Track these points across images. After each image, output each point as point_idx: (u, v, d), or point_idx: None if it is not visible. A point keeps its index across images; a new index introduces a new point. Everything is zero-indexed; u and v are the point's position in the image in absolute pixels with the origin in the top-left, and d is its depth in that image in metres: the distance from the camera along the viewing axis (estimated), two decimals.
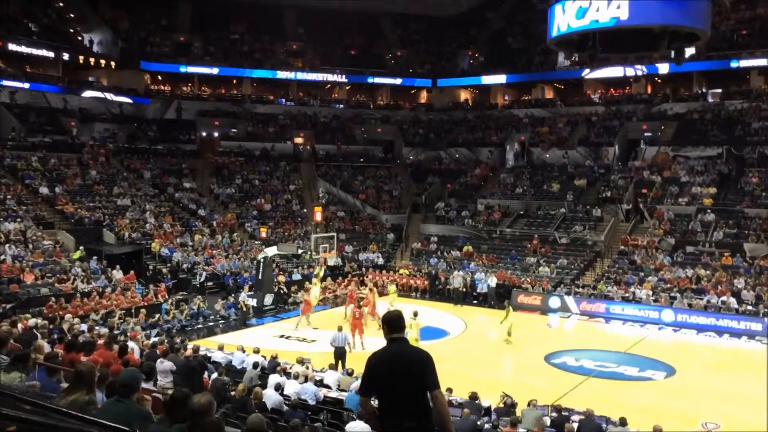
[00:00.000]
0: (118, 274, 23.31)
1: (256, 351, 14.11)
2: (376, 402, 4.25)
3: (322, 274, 24.94)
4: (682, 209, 29.94)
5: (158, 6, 43.02)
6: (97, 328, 14.52)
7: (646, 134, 36.42)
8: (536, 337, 20.91)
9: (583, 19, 16.03)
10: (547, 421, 11.37)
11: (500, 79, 43.11)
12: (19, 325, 12.20)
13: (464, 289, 26.86)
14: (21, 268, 21.37)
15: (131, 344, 11.79)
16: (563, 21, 16.68)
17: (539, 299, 25.43)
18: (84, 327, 14.45)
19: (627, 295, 24.74)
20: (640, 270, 26.60)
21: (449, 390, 11.94)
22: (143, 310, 20.05)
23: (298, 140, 42.33)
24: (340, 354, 15.94)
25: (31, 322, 13.04)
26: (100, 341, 10.68)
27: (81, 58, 37.87)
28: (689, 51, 19.82)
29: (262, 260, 24.23)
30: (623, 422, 11.06)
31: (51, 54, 35.97)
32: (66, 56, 36.87)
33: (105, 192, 30.44)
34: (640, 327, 22.65)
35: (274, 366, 12.91)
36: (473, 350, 19.40)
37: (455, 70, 45.80)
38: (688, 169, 32.38)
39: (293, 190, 37.54)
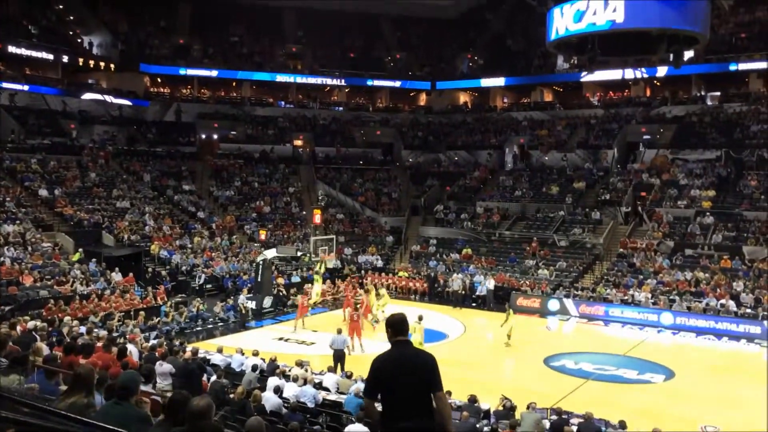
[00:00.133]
0: (117, 276, 23.29)
1: (255, 353, 14.11)
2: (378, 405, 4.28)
3: (323, 270, 24.89)
4: (681, 212, 29.96)
5: (157, 8, 43.06)
6: (95, 330, 14.51)
7: (645, 137, 36.45)
8: (535, 340, 20.91)
9: (581, 22, 16.03)
10: (547, 424, 11.37)
11: (499, 81, 43.17)
12: (18, 328, 12.20)
13: (463, 292, 26.87)
14: (20, 270, 21.36)
15: (130, 347, 11.78)
16: (561, 24, 16.69)
17: (538, 302, 25.43)
18: (83, 329, 14.44)
19: (626, 297, 24.74)
20: (639, 273, 26.60)
21: (448, 393, 11.94)
22: (142, 313, 20.05)
23: (298, 143, 42.35)
24: (339, 357, 15.94)
25: (30, 324, 13.04)
26: (99, 343, 10.67)
27: (80, 60, 37.88)
28: (688, 54, 19.86)
29: (261, 263, 24.23)
30: (622, 425, 11.06)
31: (50, 56, 35.99)
32: (65, 58, 36.89)
33: (104, 194, 30.44)
34: (639, 330, 22.66)
35: (273, 369, 12.90)
36: (472, 353, 19.39)
37: (454, 72, 45.87)
38: (687, 172, 32.41)
39: (292, 192, 37.55)
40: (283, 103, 44.64)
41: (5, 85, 34.17)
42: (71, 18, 40.50)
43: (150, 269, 25.89)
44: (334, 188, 38.31)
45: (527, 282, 27.28)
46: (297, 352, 17.82)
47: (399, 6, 43.93)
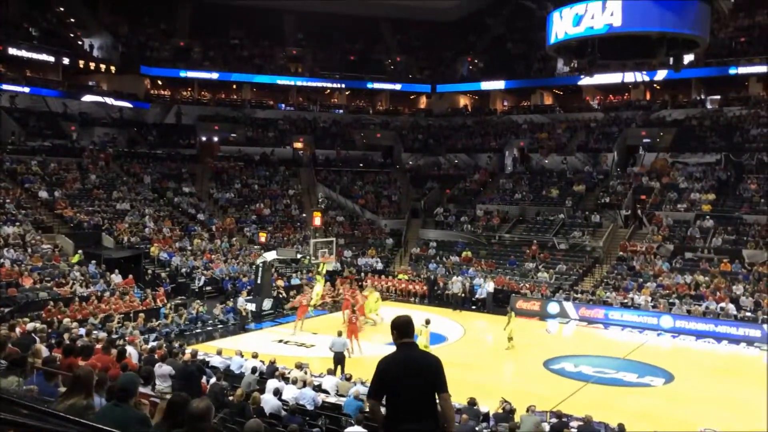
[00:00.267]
0: (116, 278, 23.29)
1: (255, 356, 14.09)
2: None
3: (324, 271, 24.88)
4: (680, 215, 29.98)
5: (158, 10, 43.13)
6: (95, 332, 14.50)
7: (644, 140, 36.47)
8: (535, 343, 20.89)
9: (579, 26, 16.05)
10: (546, 427, 11.37)
11: (499, 84, 43.22)
12: (18, 329, 12.20)
13: (463, 295, 26.87)
14: (20, 272, 21.36)
15: (129, 348, 11.77)
16: (560, 28, 16.71)
17: (538, 305, 25.43)
18: (82, 331, 14.43)
19: (626, 301, 24.74)
20: (639, 276, 26.60)
21: None
22: (142, 315, 20.02)
23: (298, 145, 42.37)
24: (339, 359, 15.93)
25: (30, 326, 13.03)
26: (98, 345, 10.66)
27: (81, 62, 37.91)
28: (688, 58, 19.89)
29: (261, 265, 24.23)
30: (621, 428, 11.05)
31: (51, 58, 36.04)
32: (66, 61, 36.93)
33: (104, 196, 30.44)
34: (638, 333, 22.64)
35: (272, 371, 12.90)
36: (472, 356, 19.37)
37: (454, 75, 45.90)
38: (687, 176, 32.43)
39: (292, 194, 37.55)
40: (283, 105, 44.67)
41: (6, 86, 34.19)
42: (72, 20, 40.55)
43: (150, 271, 25.90)
44: (334, 191, 38.33)
45: (527, 285, 27.29)
46: (296, 355, 17.83)
47: (399, 9, 43.99)
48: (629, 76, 37.00)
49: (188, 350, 13.49)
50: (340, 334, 16.69)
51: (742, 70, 34.72)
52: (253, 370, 12.54)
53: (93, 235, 26.91)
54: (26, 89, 35.12)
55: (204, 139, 41.62)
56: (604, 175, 35.17)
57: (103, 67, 39.20)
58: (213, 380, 11.44)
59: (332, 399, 12.05)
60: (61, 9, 40.29)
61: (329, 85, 45.39)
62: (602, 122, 38.85)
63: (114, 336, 15.77)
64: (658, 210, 30.67)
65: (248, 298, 24.12)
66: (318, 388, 12.45)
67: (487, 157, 40.45)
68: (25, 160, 30.40)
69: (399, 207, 38.05)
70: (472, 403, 11.77)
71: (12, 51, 33.97)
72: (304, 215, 35.37)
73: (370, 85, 45.31)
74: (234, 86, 44.63)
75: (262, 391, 10.85)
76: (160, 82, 43.34)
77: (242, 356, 14.29)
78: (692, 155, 33.56)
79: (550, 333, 22.96)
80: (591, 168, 36.13)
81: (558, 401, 14.33)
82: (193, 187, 35.28)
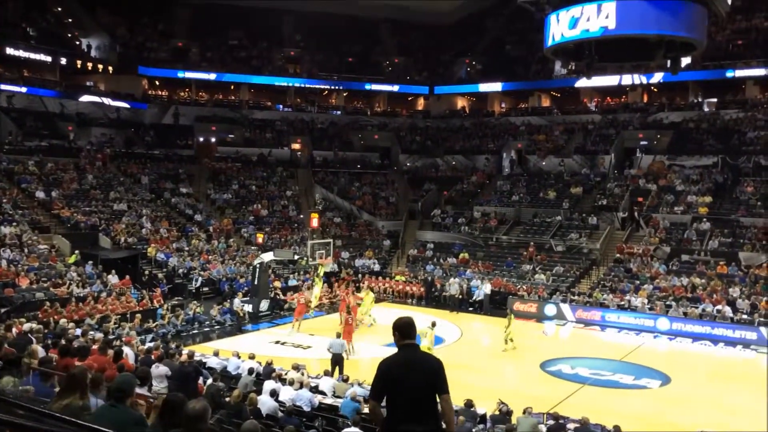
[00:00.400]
0: (113, 278, 23.23)
1: (252, 357, 14.07)
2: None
3: (322, 273, 24.87)
4: (677, 218, 30.03)
5: (156, 11, 43.11)
6: (91, 332, 14.47)
7: (642, 143, 36.56)
8: (532, 345, 20.89)
9: (575, 29, 16.06)
10: (543, 429, 11.37)
11: (497, 87, 43.28)
12: (14, 330, 12.18)
13: (460, 296, 26.88)
14: (16, 272, 21.30)
15: (126, 349, 11.76)
16: (557, 31, 16.72)
17: (535, 307, 25.44)
18: (79, 332, 14.40)
19: (622, 303, 24.76)
20: (636, 278, 26.64)
21: None
22: (138, 315, 19.96)
23: (295, 146, 42.37)
24: (337, 360, 15.90)
25: (26, 326, 13.01)
26: (95, 346, 10.64)
27: (78, 62, 37.93)
28: (685, 60, 19.94)
29: (258, 266, 24.20)
30: (617, 430, 11.05)
31: (48, 58, 36.01)
32: (63, 61, 36.92)
33: (101, 196, 30.40)
34: (635, 335, 22.66)
35: (269, 372, 12.88)
36: (469, 357, 19.36)
37: (452, 77, 45.95)
38: (684, 178, 32.50)
39: (290, 195, 37.54)
40: (281, 106, 44.69)
41: (3, 86, 34.16)
42: (70, 20, 40.52)
43: (147, 272, 25.85)
44: (332, 192, 38.32)
45: (524, 287, 27.32)
46: (293, 356, 17.81)
47: (398, 11, 44.04)
48: (627, 79, 37.09)
49: (185, 351, 13.45)
50: (338, 335, 16.70)
51: (739, 73, 34.87)
52: (250, 371, 12.52)
53: (90, 235, 26.86)
54: (23, 89, 35.09)
55: (201, 139, 41.61)
56: (602, 177, 35.23)
57: (100, 67, 39.21)
58: (210, 381, 11.42)
59: (329, 400, 12.04)
60: (59, 9, 40.25)
61: (327, 86, 45.42)
62: (599, 124, 38.92)
63: (111, 337, 15.76)
64: (655, 212, 30.73)
65: (245, 299, 24.09)
66: (315, 390, 12.44)
67: (485, 159, 40.50)
68: (22, 160, 30.35)
69: (396, 208, 38.06)
70: (469, 404, 11.76)
71: (9, 51, 33.96)
72: (301, 216, 35.36)
73: (368, 87, 45.34)
74: (232, 87, 44.64)
75: (259, 392, 10.83)
76: (157, 83, 43.32)
77: (239, 357, 14.28)
78: (689, 158, 33.64)
79: (547, 335, 22.93)
80: (588, 170, 36.19)
81: (555, 403, 14.34)
82: (191, 188, 35.25)
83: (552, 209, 33.33)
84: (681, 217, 29.96)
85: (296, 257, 28.45)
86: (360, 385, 12.72)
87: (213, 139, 41.60)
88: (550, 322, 24.50)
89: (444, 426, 4.22)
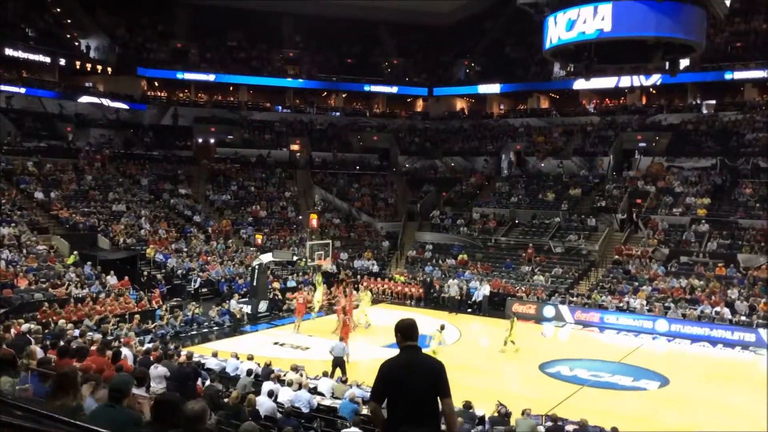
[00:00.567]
0: (112, 279, 23.22)
1: (250, 358, 14.06)
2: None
3: (321, 279, 24.88)
4: (676, 219, 30.06)
5: (155, 12, 43.08)
6: (90, 333, 14.45)
7: (640, 144, 36.59)
8: (530, 346, 20.87)
9: (572, 31, 16.04)
10: (542, 430, 11.37)
11: (496, 88, 43.27)
12: (12, 330, 12.15)
13: (459, 298, 26.87)
14: (15, 272, 21.27)
15: (124, 350, 11.74)
16: (555, 33, 16.72)
17: (534, 308, 25.45)
18: (77, 332, 14.38)
19: (621, 304, 24.77)
20: (635, 280, 26.66)
21: None
22: (137, 316, 19.94)
23: (294, 147, 42.37)
24: (338, 363, 15.85)
25: (24, 327, 12.96)
26: (93, 347, 10.63)
27: (77, 63, 37.89)
28: (684, 62, 19.94)
29: (256, 267, 24.19)
30: None
31: (47, 59, 35.98)
32: (62, 61, 36.88)
33: (100, 197, 30.38)
34: (634, 337, 22.68)
35: (267, 373, 12.86)
36: (467, 359, 19.35)
37: (451, 79, 45.98)
38: (683, 180, 32.53)
39: (289, 197, 37.53)
40: (280, 107, 44.67)
41: (2, 87, 34.04)
42: (69, 21, 40.49)
43: (145, 273, 25.83)
44: (331, 193, 38.33)
45: (523, 288, 27.33)
46: (292, 357, 17.80)
47: (397, 12, 44.05)
48: (625, 81, 37.13)
49: (184, 352, 13.45)
50: (341, 338, 16.59)
51: (738, 75, 34.91)
52: (249, 372, 12.51)
53: (89, 236, 26.84)
54: (22, 90, 35.05)
55: (200, 140, 41.59)
56: (600, 178, 35.26)
57: (99, 68, 39.18)
58: (208, 382, 11.40)
59: (328, 401, 12.03)
60: (58, 10, 40.23)
61: (326, 87, 45.43)
62: (598, 126, 38.95)
63: (109, 338, 15.74)
64: (654, 214, 30.75)
65: (244, 300, 24.09)
66: (314, 391, 12.43)
67: (484, 161, 40.52)
68: (21, 161, 30.29)
69: (395, 210, 38.07)
70: (468, 406, 11.76)
71: (8, 51, 33.91)
72: (300, 217, 35.35)
73: (367, 88, 45.33)
74: (231, 88, 44.63)
75: (257, 393, 10.82)
76: (156, 84, 43.30)
77: (238, 358, 14.26)
78: (688, 159, 33.67)
79: (546, 336, 22.97)
80: (587, 172, 36.22)
81: (553, 405, 14.33)
82: (190, 189, 35.23)
83: (551, 211, 33.35)
84: (679, 218, 29.99)
85: (295, 258, 28.46)
86: (359, 386, 12.73)
87: (212, 140, 41.59)
88: (549, 323, 24.53)
89: (445, 429, 4.21)
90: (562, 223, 32.03)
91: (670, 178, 32.98)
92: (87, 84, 39.38)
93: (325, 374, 14.38)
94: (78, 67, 37.90)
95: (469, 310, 26.49)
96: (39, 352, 8.99)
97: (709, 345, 21.58)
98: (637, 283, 26.21)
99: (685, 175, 32.86)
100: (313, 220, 30.60)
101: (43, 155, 31.71)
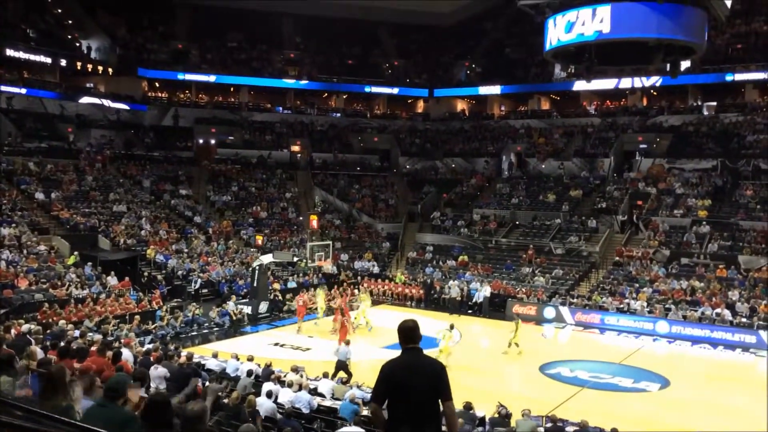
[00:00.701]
0: (112, 280, 23.21)
1: (251, 359, 14.06)
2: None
3: (324, 296, 24.78)
4: (676, 221, 30.04)
5: (156, 13, 43.14)
6: (90, 334, 14.45)
7: (641, 146, 36.57)
8: (531, 348, 20.85)
9: (571, 32, 16.04)
10: (542, 431, 11.35)
11: (497, 89, 43.30)
12: (13, 331, 12.15)
13: (460, 299, 26.86)
14: (15, 273, 21.28)
15: (124, 351, 11.74)
16: (554, 35, 16.73)
17: (534, 309, 25.43)
18: (77, 333, 14.38)
19: (622, 306, 24.76)
20: (635, 281, 26.63)
21: None
22: (137, 317, 19.95)
23: (295, 148, 42.39)
24: (341, 366, 15.80)
25: (25, 327, 12.97)
26: (93, 348, 10.63)
27: (78, 64, 37.92)
28: (685, 64, 19.93)
29: (257, 268, 24.19)
30: None
31: (48, 60, 36.01)
32: (63, 62, 36.91)
33: (101, 198, 30.39)
34: (634, 338, 22.66)
35: (268, 374, 12.86)
36: (468, 359, 19.35)
37: (452, 80, 46.01)
38: (683, 181, 32.51)
39: (289, 198, 37.53)
40: (280, 108, 44.71)
41: (3, 88, 34.10)
42: (70, 22, 40.54)
43: (146, 273, 25.83)
44: (331, 194, 38.33)
45: (523, 290, 27.30)
46: (292, 358, 17.80)
47: (397, 13, 44.06)
48: (626, 82, 37.14)
49: (184, 353, 13.45)
50: (348, 342, 16.47)
51: (739, 76, 34.91)
52: (249, 373, 12.51)
53: (89, 236, 26.85)
54: (23, 90, 35.08)
55: (201, 141, 41.61)
56: (601, 180, 35.25)
57: (100, 68, 39.22)
58: (208, 383, 11.38)
59: (328, 402, 12.02)
60: (59, 10, 40.28)
61: (327, 88, 45.44)
62: (599, 127, 38.95)
63: (109, 338, 15.73)
64: (655, 215, 30.73)
65: (244, 301, 24.08)
66: (314, 392, 12.42)
67: (484, 162, 40.52)
68: (21, 162, 30.30)
69: (396, 211, 38.07)
70: (468, 407, 11.75)
71: (9, 52, 33.94)
72: (300, 218, 35.35)
73: (367, 89, 45.36)
74: (231, 89, 44.67)
75: (257, 394, 10.82)
76: (157, 85, 43.34)
77: (238, 359, 14.26)
78: (689, 161, 33.66)
79: (546, 338, 22.95)
80: (588, 173, 36.21)
81: (554, 406, 14.32)
82: (190, 190, 35.25)
83: (551, 212, 33.34)
84: (680, 220, 29.97)
85: (295, 259, 28.46)
86: (359, 387, 12.72)
87: (212, 141, 41.60)
88: (550, 324, 24.52)
89: (446, 431, 4.21)
90: (562, 225, 32.02)
91: (670, 179, 32.97)
92: (88, 85, 39.41)
93: (325, 375, 14.37)
94: (79, 67, 37.94)
95: (470, 311, 26.48)
96: (39, 353, 8.98)
97: (710, 347, 21.57)
98: (637, 285, 26.19)
99: (685, 176, 32.85)
100: (314, 221, 30.60)
101: (43, 156, 31.75)
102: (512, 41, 44.82)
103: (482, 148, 41.67)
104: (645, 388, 16.79)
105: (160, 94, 43.38)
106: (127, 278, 23.70)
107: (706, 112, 36.52)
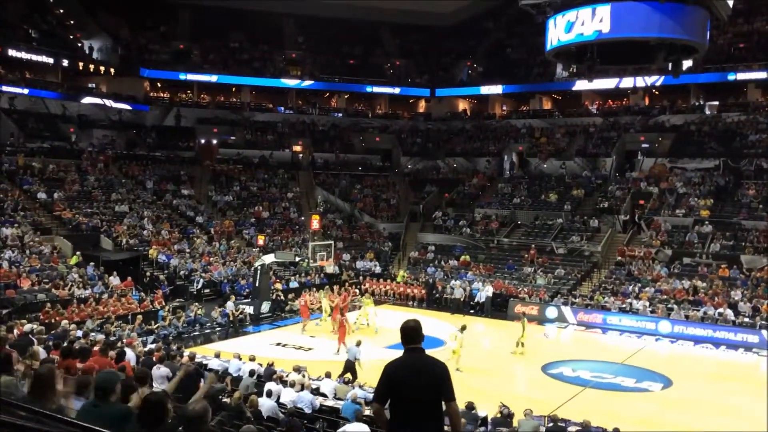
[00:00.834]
0: (115, 280, 23.24)
1: (253, 359, 14.08)
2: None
3: (327, 301, 24.78)
4: (679, 221, 30.00)
5: (158, 13, 43.14)
6: (92, 334, 14.47)
7: (643, 145, 36.53)
8: (533, 348, 20.85)
9: (570, 33, 16.03)
10: (544, 431, 11.35)
11: (498, 89, 43.24)
12: (15, 331, 12.17)
13: (462, 299, 26.84)
14: (18, 273, 21.32)
15: (127, 351, 11.74)
16: (555, 35, 16.74)
17: (536, 309, 25.41)
18: (80, 333, 14.40)
19: (624, 305, 24.74)
20: (637, 281, 26.60)
21: None
22: (140, 317, 19.99)
23: (297, 148, 42.40)
24: (349, 367, 15.79)
25: (27, 327, 12.98)
26: (96, 348, 10.64)
27: (80, 64, 37.93)
28: (686, 63, 19.89)
29: (259, 268, 24.20)
30: None
31: (50, 60, 36.03)
32: (65, 62, 36.94)
33: (103, 198, 30.43)
34: (637, 338, 22.64)
35: (270, 374, 12.87)
36: (470, 360, 19.32)
37: (454, 80, 45.97)
38: (685, 181, 32.47)
39: (291, 197, 37.54)
40: (282, 108, 44.72)
41: (5, 88, 34.17)
42: (71, 22, 40.57)
43: (148, 273, 25.87)
44: (333, 194, 38.34)
45: (525, 289, 27.28)
46: (294, 358, 17.81)
47: (399, 13, 44.04)
48: (628, 81, 37.08)
49: (186, 353, 13.47)
50: (359, 343, 16.42)
51: (741, 76, 34.84)
52: (251, 373, 12.51)
53: (91, 236, 26.88)
54: (25, 91, 35.13)
55: (203, 141, 41.64)
56: (603, 179, 35.22)
57: (102, 69, 39.24)
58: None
59: (330, 402, 12.02)
60: (61, 11, 40.31)
61: (328, 88, 45.45)
62: (601, 127, 38.91)
63: (112, 338, 15.76)
64: (657, 215, 30.69)
65: (246, 301, 24.09)
66: (316, 392, 12.43)
67: (486, 162, 40.50)
68: (24, 162, 30.34)
69: (398, 210, 38.07)
70: (470, 407, 11.75)
71: (11, 52, 33.98)
72: (302, 218, 35.35)
73: (369, 89, 45.34)
74: (233, 89, 44.67)
75: (259, 394, 10.83)
76: (159, 85, 43.38)
77: (240, 359, 14.27)
78: (691, 160, 33.61)
79: (549, 338, 22.93)
80: (589, 173, 36.18)
81: (556, 406, 14.30)
82: (192, 190, 35.27)
83: (553, 212, 33.32)
84: (682, 219, 29.93)
85: (297, 259, 28.47)
86: (361, 387, 12.72)
87: (214, 141, 41.63)
88: (552, 324, 24.50)
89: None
90: (564, 225, 31.99)
91: (672, 179, 32.93)
92: (90, 85, 39.44)
93: (327, 375, 14.36)
94: (81, 68, 37.97)
95: (472, 311, 26.47)
96: (42, 353, 8.99)
97: (713, 346, 21.54)
98: (639, 285, 26.16)
99: (688, 176, 32.81)
100: (316, 221, 30.59)
101: (46, 156, 31.78)
102: (514, 41, 44.79)
103: (484, 148, 41.65)
104: (647, 388, 16.78)
105: (162, 94, 43.42)
106: (129, 278, 23.73)
107: (708, 112, 36.47)
